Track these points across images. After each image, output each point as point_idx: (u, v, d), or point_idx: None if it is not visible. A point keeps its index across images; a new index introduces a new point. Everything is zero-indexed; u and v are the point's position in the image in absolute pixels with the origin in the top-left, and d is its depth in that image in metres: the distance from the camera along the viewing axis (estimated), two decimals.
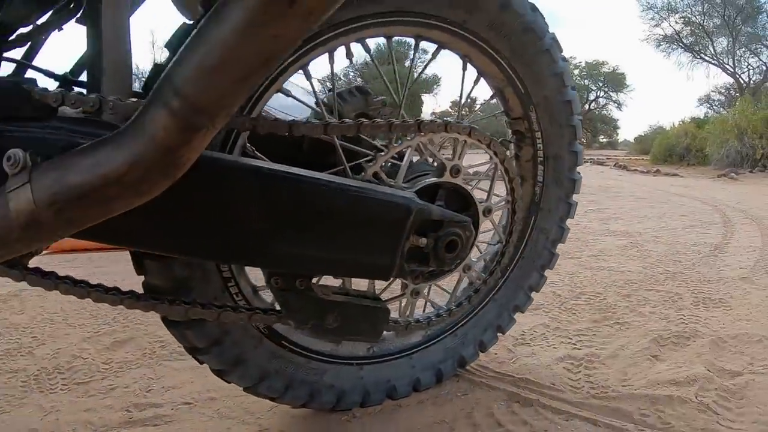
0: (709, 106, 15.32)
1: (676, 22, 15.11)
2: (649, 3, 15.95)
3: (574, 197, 1.08)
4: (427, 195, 0.79)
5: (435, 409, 0.99)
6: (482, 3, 0.84)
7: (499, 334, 1.09)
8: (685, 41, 15.21)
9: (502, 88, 0.97)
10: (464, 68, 0.93)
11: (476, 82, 0.97)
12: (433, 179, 0.80)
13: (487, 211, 0.87)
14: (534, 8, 0.91)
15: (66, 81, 0.96)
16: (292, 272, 0.68)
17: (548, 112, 0.98)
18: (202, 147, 0.48)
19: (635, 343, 1.19)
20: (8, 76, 0.86)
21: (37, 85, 0.56)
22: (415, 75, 0.90)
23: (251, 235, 0.60)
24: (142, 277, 0.74)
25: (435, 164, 0.84)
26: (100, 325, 1.44)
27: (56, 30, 0.89)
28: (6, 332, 1.42)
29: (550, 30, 0.94)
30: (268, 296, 0.89)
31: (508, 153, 0.85)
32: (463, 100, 0.97)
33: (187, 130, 0.45)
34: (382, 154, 0.74)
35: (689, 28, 14.96)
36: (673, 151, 9.23)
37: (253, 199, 0.59)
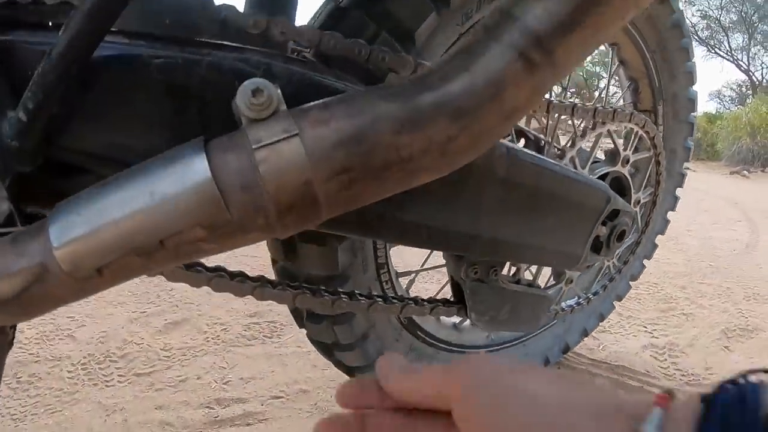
0: (719, 101, 14.74)
1: (693, 15, 14.13)
2: None
3: (678, 191, 1.06)
4: None
5: None
6: None
7: (599, 321, 1.07)
8: (700, 35, 14.35)
9: (638, 80, 0.93)
10: (611, 57, 0.88)
11: (615, 72, 0.92)
12: (608, 168, 0.73)
13: (637, 202, 0.82)
14: (678, 7, 0.87)
15: None
16: (498, 260, 0.59)
17: (673, 107, 0.97)
18: None
19: (706, 334, 1.23)
20: None
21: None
22: None
23: (486, 218, 0.51)
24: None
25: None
26: (144, 305, 1.28)
27: None
28: None
29: None
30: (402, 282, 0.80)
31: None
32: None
33: (537, 93, 0.34)
34: (581, 139, 0.66)
35: (705, 21, 14.24)
36: None
37: (497, 179, 0.49)
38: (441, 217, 0.48)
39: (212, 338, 1.15)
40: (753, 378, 0.18)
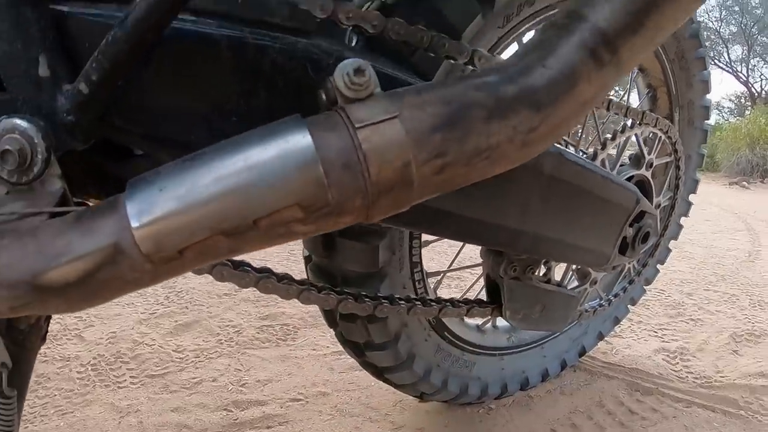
0: (719, 113, 14.82)
1: None
2: None
3: (691, 197, 1.09)
4: None
5: (566, 399, 0.97)
6: None
7: (615, 325, 1.08)
8: None
9: (657, 88, 0.96)
10: None
11: (634, 79, 0.95)
12: (633, 171, 0.76)
13: (657, 206, 0.84)
14: (696, 18, 0.91)
15: None
16: (538, 256, 0.60)
17: (689, 115, 1.00)
18: None
19: (715, 339, 1.25)
20: None
21: None
22: None
23: (531, 215, 0.52)
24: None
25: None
26: (153, 305, 1.26)
27: None
28: None
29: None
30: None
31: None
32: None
33: (604, 88, 0.36)
34: (610, 140, 0.68)
35: (705, 33, 14.22)
36: None
37: (544, 177, 0.51)
38: (495, 213, 0.49)
39: (225, 340, 1.14)
40: None
